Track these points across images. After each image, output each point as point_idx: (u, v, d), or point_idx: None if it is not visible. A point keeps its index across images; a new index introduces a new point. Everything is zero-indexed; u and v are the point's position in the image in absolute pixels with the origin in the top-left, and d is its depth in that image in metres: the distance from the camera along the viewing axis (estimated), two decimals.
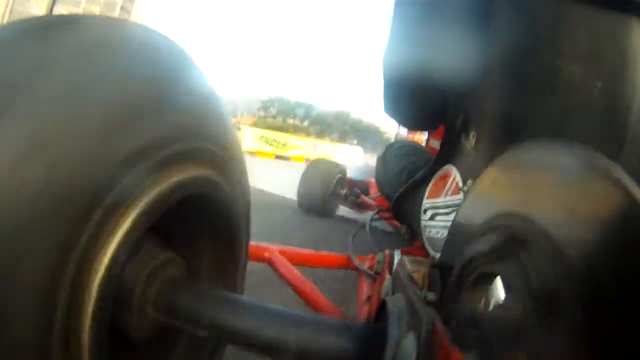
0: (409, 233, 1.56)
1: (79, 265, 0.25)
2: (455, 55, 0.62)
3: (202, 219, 0.44)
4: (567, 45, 0.57)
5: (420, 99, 0.86)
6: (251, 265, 0.56)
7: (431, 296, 0.31)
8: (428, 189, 0.92)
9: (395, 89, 0.92)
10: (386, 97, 0.97)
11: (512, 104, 0.63)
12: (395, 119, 1.10)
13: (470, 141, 0.73)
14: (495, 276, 0.32)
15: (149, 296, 0.36)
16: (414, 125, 1.13)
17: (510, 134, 0.62)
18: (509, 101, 0.63)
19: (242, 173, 0.48)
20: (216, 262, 0.49)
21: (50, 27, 0.29)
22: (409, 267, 0.39)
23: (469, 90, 0.70)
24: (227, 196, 0.44)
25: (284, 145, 10.27)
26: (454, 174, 0.81)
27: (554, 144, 0.31)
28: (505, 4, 0.61)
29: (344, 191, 2.52)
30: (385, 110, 1.03)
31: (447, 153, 0.85)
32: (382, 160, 1.36)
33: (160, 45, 0.36)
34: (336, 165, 2.53)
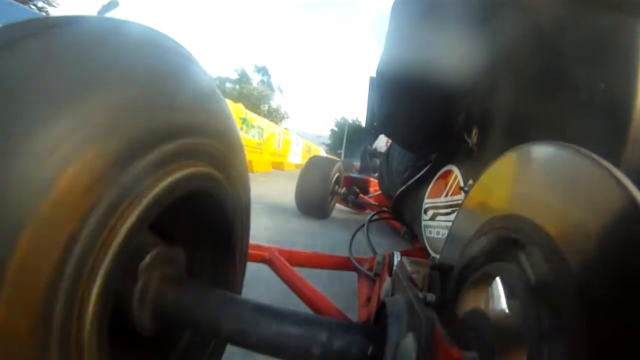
0: (408, 234, 1.55)
1: (80, 263, 0.25)
2: (456, 54, 0.62)
3: (201, 216, 0.44)
4: (570, 46, 0.57)
5: (419, 108, 0.83)
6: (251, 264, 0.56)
7: (430, 297, 0.31)
8: (429, 188, 0.92)
9: (393, 98, 0.89)
10: (382, 111, 0.93)
11: (514, 103, 0.63)
12: (391, 136, 1.06)
13: (472, 138, 0.72)
14: (494, 276, 0.32)
15: (149, 294, 0.36)
16: (412, 142, 1.00)
17: (512, 131, 0.62)
18: (511, 100, 0.63)
19: (242, 168, 0.48)
20: (215, 260, 0.49)
21: (52, 27, 0.29)
22: (408, 268, 0.39)
23: (471, 88, 0.70)
24: (227, 192, 0.43)
25: None
26: (455, 173, 0.81)
27: (552, 144, 0.31)
28: (507, 4, 0.61)
29: (342, 190, 2.50)
30: (381, 129, 0.99)
31: (449, 152, 0.85)
32: (386, 157, 1.34)
33: (161, 43, 0.36)
34: (334, 162, 2.47)
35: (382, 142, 4.17)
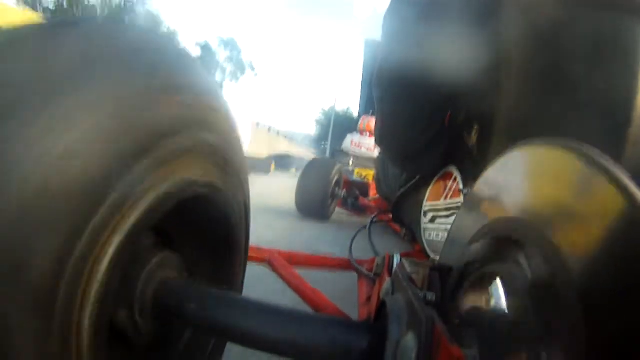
0: (409, 236, 1.55)
1: (80, 265, 0.25)
2: (456, 54, 0.62)
3: (202, 217, 0.44)
4: (571, 46, 0.57)
5: (421, 108, 0.79)
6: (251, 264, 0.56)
7: (431, 296, 0.31)
8: (428, 191, 0.92)
9: (394, 100, 0.87)
10: (383, 122, 0.88)
11: (514, 103, 0.63)
12: (390, 150, 0.97)
13: (472, 138, 0.72)
14: (494, 277, 0.32)
15: (148, 296, 0.36)
16: (411, 156, 0.89)
17: (512, 132, 0.62)
18: (511, 100, 0.63)
19: (242, 169, 0.48)
20: (216, 261, 0.49)
21: (53, 29, 0.29)
22: (408, 269, 0.39)
23: (470, 88, 0.70)
24: (227, 194, 0.44)
25: None
26: (455, 175, 0.81)
27: (554, 143, 0.31)
28: (508, 4, 0.61)
29: (342, 193, 2.51)
30: (380, 141, 0.93)
31: (449, 153, 0.85)
32: (382, 159, 1.33)
33: (161, 44, 0.36)
34: (334, 164, 2.49)
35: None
